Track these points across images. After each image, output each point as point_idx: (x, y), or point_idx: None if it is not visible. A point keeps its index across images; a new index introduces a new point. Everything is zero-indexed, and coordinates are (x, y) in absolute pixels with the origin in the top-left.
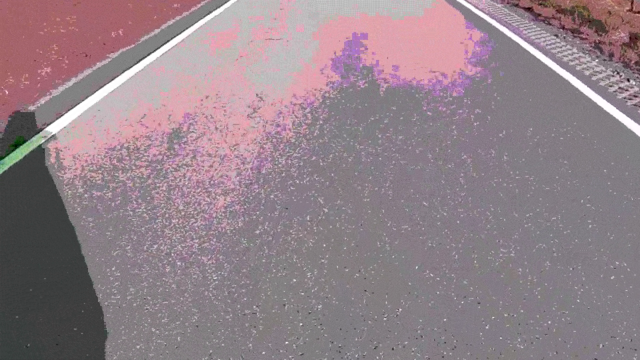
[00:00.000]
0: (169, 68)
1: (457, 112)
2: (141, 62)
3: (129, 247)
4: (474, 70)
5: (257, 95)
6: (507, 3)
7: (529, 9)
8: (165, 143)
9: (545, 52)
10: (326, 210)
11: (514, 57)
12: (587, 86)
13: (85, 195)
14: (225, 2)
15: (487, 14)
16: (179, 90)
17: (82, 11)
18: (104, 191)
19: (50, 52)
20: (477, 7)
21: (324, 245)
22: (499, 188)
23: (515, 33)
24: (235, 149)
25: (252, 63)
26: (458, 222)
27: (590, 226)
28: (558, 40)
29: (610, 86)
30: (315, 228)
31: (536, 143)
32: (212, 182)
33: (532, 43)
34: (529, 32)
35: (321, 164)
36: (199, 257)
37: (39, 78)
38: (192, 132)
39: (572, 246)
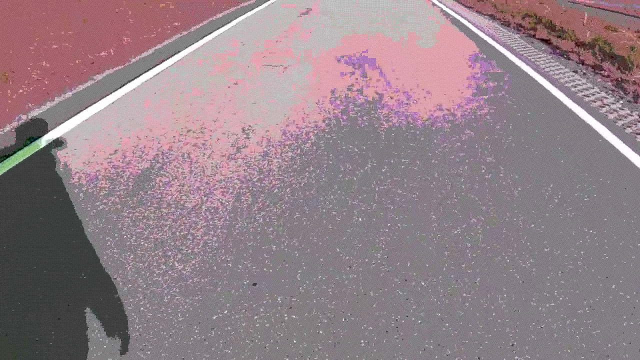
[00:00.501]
0: (154, 94)
1: (467, 161)
2: (124, 87)
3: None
4: (486, 110)
5: (243, 130)
6: (523, 33)
7: (546, 41)
8: (130, 188)
9: (565, 91)
10: (302, 290)
11: (532, 95)
12: (613, 134)
13: None
14: (229, 22)
15: (502, 45)
16: (159, 121)
17: (81, 26)
18: (34, 254)
19: (34, 70)
20: (493, 38)
21: (294, 341)
22: (513, 266)
23: (532, 68)
24: (207, 198)
25: (246, 92)
26: (462, 313)
27: (625, 323)
28: (578, 77)
29: (639, 134)
30: (286, 315)
31: (557, 205)
32: (171, 243)
33: (550, 79)
34: (547, 67)
35: (305, 223)
36: None
37: (9, 102)
38: (163, 174)
39: (605, 350)
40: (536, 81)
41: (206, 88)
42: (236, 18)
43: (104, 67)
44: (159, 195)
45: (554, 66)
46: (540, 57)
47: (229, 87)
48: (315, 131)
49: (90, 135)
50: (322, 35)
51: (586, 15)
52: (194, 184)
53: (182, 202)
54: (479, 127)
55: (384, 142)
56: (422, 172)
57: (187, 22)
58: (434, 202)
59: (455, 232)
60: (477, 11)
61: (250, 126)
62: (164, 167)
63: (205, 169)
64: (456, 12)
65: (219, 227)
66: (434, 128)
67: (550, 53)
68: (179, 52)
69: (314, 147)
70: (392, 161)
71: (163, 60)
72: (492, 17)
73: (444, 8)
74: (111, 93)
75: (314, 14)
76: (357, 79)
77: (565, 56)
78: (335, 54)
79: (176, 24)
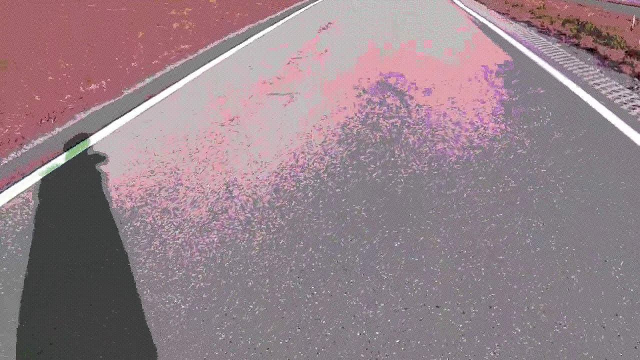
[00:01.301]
0: (134, 138)
1: (506, 227)
2: (106, 128)
3: None
4: (527, 144)
5: (227, 188)
6: (566, 42)
7: (592, 50)
8: (51, 287)
9: (622, 115)
10: None
11: (584, 123)
12: None
13: None
14: (239, 43)
15: (542, 57)
16: (131, 175)
17: (86, 52)
18: None
19: (23, 105)
20: (530, 49)
21: None
22: None
23: (579, 85)
24: (151, 307)
25: (241, 131)
26: None
27: None
28: (635, 95)
29: None
30: None
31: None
32: None
33: (604, 101)
34: (597, 83)
35: (280, 343)
36: None
37: None
38: (99, 266)
39: None
40: (588, 104)
41: (196, 126)
42: (252, 36)
43: (92, 102)
44: (68, 306)
45: (604, 82)
46: (587, 71)
47: (222, 124)
48: (315, 184)
49: (40, 199)
50: (342, 48)
51: (634, 18)
52: (144, 286)
53: (116, 310)
54: (520, 174)
55: (400, 199)
56: (447, 244)
57: (197, 44)
58: (457, 304)
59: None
60: (511, 18)
61: (236, 181)
62: (111, 249)
63: (167, 249)
64: (490, 21)
65: (163, 345)
66: (463, 176)
67: (598, 65)
68: (178, 80)
69: (310, 211)
70: (408, 230)
71: (157, 93)
72: (529, 24)
73: (477, 17)
74: (79, 142)
75: (335, 29)
76: (376, 105)
77: (616, 69)
78: (360, 66)
79: (185, 46)
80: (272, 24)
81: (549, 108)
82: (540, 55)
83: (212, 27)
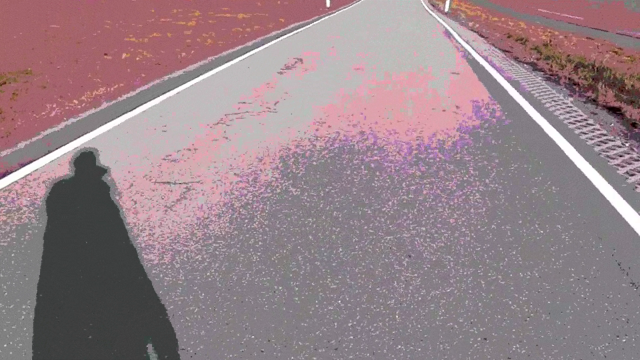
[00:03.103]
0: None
1: None
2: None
3: None
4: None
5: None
6: (579, 96)
7: (615, 111)
8: None
9: None
10: None
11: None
12: None
13: None
14: (178, 86)
15: (551, 123)
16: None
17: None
18: None
19: None
20: (537, 108)
21: None
22: None
23: (604, 177)
24: None
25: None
26: None
27: None
28: None
29: None
30: None
31: None
32: None
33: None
34: (631, 175)
35: None
36: None
37: None
38: None
39: None
40: (625, 221)
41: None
42: (202, 74)
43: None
44: None
45: (636, 161)
46: (613, 150)
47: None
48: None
49: None
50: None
51: None
52: None
53: None
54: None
55: None
56: None
57: (124, 86)
58: None
59: None
60: (514, 57)
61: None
62: None
63: None
64: (488, 61)
65: None
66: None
67: (627, 136)
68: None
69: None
70: None
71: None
72: (534, 66)
73: (475, 55)
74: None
75: (308, 68)
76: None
77: None
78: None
79: (99, 91)
80: (240, 55)
81: (566, 195)
82: (551, 119)
83: (167, 59)
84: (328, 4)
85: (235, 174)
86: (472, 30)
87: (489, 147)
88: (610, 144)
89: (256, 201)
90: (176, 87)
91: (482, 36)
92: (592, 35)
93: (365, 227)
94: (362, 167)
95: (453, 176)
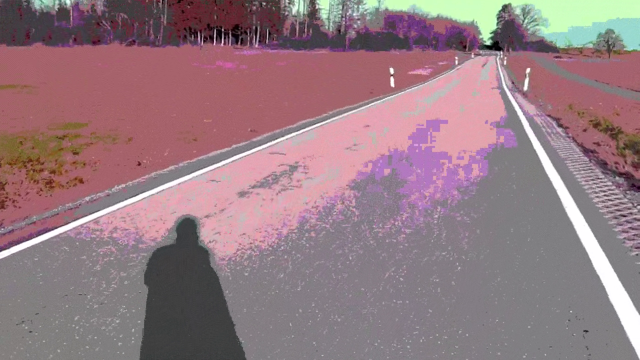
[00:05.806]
0: None
1: None
2: None
3: None
4: None
5: None
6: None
7: None
8: None
9: None
10: None
11: None
12: None
13: None
14: (140, 193)
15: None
16: None
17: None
18: None
19: None
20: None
21: None
22: None
23: None
24: None
25: None
26: None
27: None
28: None
29: None
30: None
31: None
32: None
33: None
34: None
35: None
36: None
37: None
38: None
39: None
40: None
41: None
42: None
43: None
44: None
45: None
46: None
47: None
48: None
49: None
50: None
51: None
52: None
53: None
54: None
55: None
56: None
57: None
58: None
59: None
60: (600, 161)
61: None
62: None
63: None
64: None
65: None
66: None
67: None
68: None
69: None
70: None
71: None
72: (631, 179)
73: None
74: None
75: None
76: None
77: None
78: None
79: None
80: (228, 158)
81: None
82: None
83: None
84: (392, 84)
85: None
86: (549, 115)
87: None
88: None
89: None
90: (128, 199)
91: (555, 118)
92: None
93: None
94: None
95: None
